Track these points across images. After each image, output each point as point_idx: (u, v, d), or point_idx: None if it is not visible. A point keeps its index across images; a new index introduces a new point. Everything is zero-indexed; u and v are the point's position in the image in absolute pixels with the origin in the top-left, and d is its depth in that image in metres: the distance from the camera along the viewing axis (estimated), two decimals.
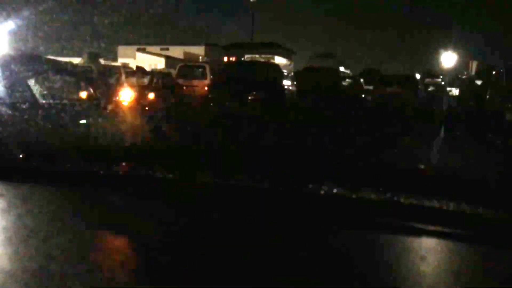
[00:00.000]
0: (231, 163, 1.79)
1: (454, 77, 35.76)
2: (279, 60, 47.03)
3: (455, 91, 30.51)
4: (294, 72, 27.58)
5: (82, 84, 8.65)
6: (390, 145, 7.53)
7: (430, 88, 28.28)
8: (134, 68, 22.34)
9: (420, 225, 1.26)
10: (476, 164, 5.56)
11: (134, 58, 43.31)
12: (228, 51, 49.69)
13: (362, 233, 1.26)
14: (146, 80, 16.84)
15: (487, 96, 14.07)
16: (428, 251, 1.21)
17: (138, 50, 47.29)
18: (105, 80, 14.78)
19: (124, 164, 1.77)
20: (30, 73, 6.92)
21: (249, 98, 15.97)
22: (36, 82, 7.03)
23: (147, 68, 27.20)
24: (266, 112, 13.53)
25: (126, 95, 13.22)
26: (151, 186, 1.56)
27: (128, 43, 45.46)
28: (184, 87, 17.93)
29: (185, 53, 47.58)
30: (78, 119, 6.89)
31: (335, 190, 1.41)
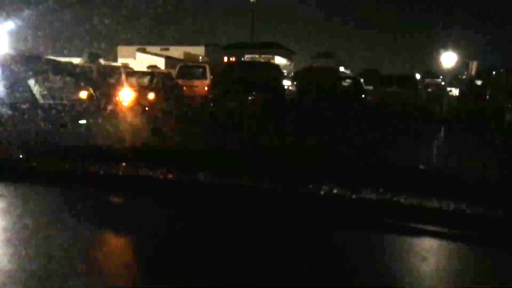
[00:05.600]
0: (231, 163, 1.79)
1: (454, 77, 35.73)
2: (279, 60, 47.04)
3: (455, 91, 30.51)
4: (294, 72, 27.57)
5: (82, 84, 8.65)
6: (390, 145, 7.53)
7: (430, 88, 28.25)
8: (135, 69, 22.31)
9: (420, 226, 1.26)
10: (476, 164, 5.56)
11: (134, 58, 43.29)
12: (228, 51, 49.71)
13: (362, 233, 1.26)
14: (146, 80, 16.83)
15: (487, 96, 14.09)
16: (429, 252, 1.21)
17: (138, 50, 47.27)
18: (105, 80, 14.79)
19: (124, 164, 1.77)
20: (30, 73, 6.92)
21: (249, 98, 15.96)
22: (36, 82, 7.03)
23: (147, 69, 27.16)
24: (266, 112, 13.53)
25: (126, 95, 13.23)
26: (151, 186, 1.56)
27: (128, 43, 45.45)
28: (184, 87, 17.91)
29: (185, 53, 47.58)
30: (78, 119, 6.89)
31: (335, 190, 1.41)
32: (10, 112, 5.80)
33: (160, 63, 41.20)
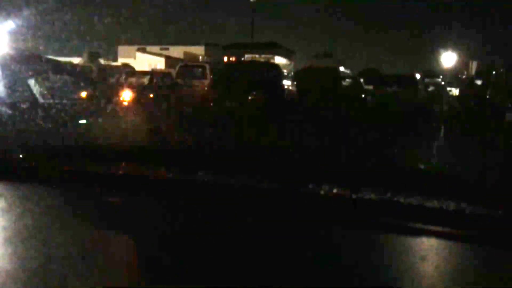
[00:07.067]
0: (231, 163, 1.79)
1: (454, 77, 35.72)
2: (279, 60, 46.99)
3: (455, 91, 30.49)
4: (294, 72, 27.54)
5: (82, 84, 8.66)
6: (390, 145, 7.53)
7: (430, 88, 28.22)
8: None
9: (420, 225, 1.26)
10: (476, 164, 5.56)
11: (134, 58, 43.26)
12: (228, 51, 49.64)
13: (362, 233, 1.26)
14: (146, 80, 16.84)
15: (487, 96, 14.08)
16: (428, 251, 1.21)
17: (138, 50, 47.24)
18: (105, 80, 14.79)
19: (123, 164, 1.77)
20: (30, 73, 6.92)
21: (249, 98, 15.95)
22: (36, 82, 7.03)
23: (147, 68, 27.15)
24: (266, 112, 13.53)
25: (126, 95, 13.23)
26: (151, 186, 1.56)
27: (128, 43, 45.41)
28: (184, 87, 17.91)
29: (185, 53, 47.54)
30: (78, 119, 6.90)
31: (335, 190, 1.41)
32: (10, 112, 5.80)
33: (160, 63, 41.20)
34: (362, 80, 24.26)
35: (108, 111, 8.10)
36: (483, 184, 1.56)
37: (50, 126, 5.83)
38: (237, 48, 48.74)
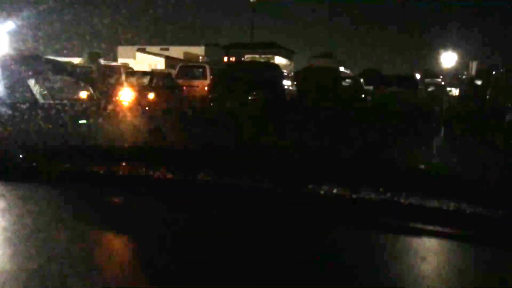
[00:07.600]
0: (231, 163, 1.79)
1: (454, 77, 35.71)
2: (279, 60, 47.03)
3: (455, 91, 30.52)
4: (294, 72, 27.54)
5: (82, 84, 8.66)
6: (390, 145, 7.54)
7: (430, 88, 28.24)
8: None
9: (420, 225, 1.26)
10: (476, 164, 5.56)
11: (134, 58, 43.26)
12: (228, 51, 49.72)
13: (362, 233, 1.26)
14: (146, 80, 16.84)
15: (487, 96, 14.10)
16: (428, 251, 1.21)
17: (138, 50, 47.26)
18: (105, 80, 14.80)
19: (124, 164, 1.77)
20: (30, 73, 6.92)
21: (249, 98, 15.96)
22: (36, 82, 7.03)
23: (147, 69, 27.17)
24: (266, 112, 13.54)
25: (126, 95, 13.24)
26: (151, 186, 1.56)
27: (128, 43, 45.43)
28: (184, 87, 17.92)
29: (185, 53, 47.58)
30: (78, 119, 6.90)
31: (335, 190, 1.41)
32: (10, 112, 5.81)
33: (160, 63, 41.23)
34: (362, 80, 24.28)
35: (108, 111, 8.10)
36: (483, 184, 1.56)
37: (50, 126, 5.84)
38: (237, 48, 48.83)
